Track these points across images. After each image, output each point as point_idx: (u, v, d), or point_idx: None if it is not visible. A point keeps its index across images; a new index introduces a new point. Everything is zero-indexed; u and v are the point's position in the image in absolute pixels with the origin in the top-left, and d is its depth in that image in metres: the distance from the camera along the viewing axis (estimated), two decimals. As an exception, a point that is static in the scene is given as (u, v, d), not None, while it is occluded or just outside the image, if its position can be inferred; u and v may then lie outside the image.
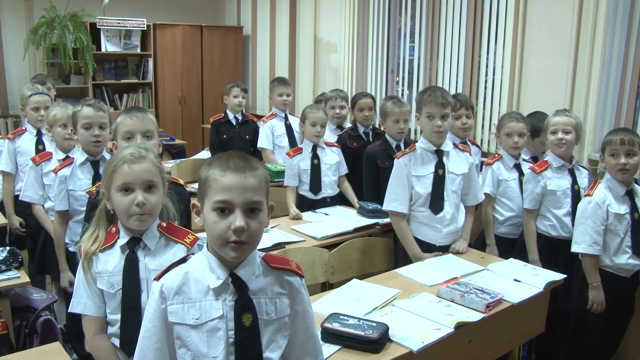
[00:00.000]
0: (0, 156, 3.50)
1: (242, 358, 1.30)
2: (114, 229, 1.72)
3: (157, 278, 1.34)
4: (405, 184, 2.70)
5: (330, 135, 3.88)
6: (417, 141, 2.81)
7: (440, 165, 2.69)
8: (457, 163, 2.74)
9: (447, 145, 2.72)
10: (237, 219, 1.25)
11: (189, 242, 1.78)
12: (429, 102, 2.61)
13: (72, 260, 2.46)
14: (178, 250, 1.76)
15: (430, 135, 2.67)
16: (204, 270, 1.32)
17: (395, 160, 2.76)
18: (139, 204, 1.65)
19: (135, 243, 1.71)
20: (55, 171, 2.60)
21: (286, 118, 4.38)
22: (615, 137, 2.49)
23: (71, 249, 2.55)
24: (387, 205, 2.76)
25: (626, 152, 2.46)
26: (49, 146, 3.26)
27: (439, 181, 2.68)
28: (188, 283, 1.31)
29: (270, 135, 4.33)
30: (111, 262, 1.69)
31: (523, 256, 2.77)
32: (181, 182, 2.42)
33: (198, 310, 1.30)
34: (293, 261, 1.43)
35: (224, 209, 1.26)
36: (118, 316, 1.68)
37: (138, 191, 1.66)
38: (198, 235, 2.55)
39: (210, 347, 1.29)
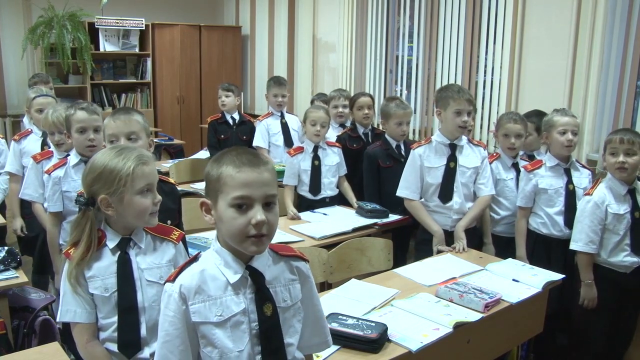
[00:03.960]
0: (0, 156, 3.51)
1: (267, 347, 1.32)
2: (99, 232, 1.70)
3: (171, 280, 1.33)
4: (418, 173, 2.88)
5: (333, 134, 3.89)
6: (414, 141, 2.87)
7: (452, 159, 2.82)
8: (470, 157, 2.86)
9: (461, 140, 2.85)
10: (258, 213, 1.27)
11: (175, 238, 1.78)
12: (458, 98, 2.73)
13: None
14: (166, 248, 1.76)
15: (454, 129, 2.79)
16: (219, 266, 1.33)
17: (411, 151, 2.93)
18: (157, 202, 1.70)
19: (126, 243, 1.70)
20: (48, 172, 2.58)
21: (282, 116, 4.39)
22: (615, 136, 2.53)
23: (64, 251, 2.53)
24: (400, 192, 2.95)
25: (625, 150, 2.48)
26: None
27: (449, 173, 2.83)
28: (206, 281, 1.31)
29: (265, 134, 4.34)
30: (102, 265, 1.67)
31: (520, 255, 2.82)
32: (172, 181, 2.41)
33: (220, 306, 1.30)
34: (295, 248, 1.47)
35: (242, 205, 1.27)
36: (111, 320, 1.66)
37: (155, 190, 1.70)
38: (196, 235, 2.58)
39: (235, 341, 1.30)
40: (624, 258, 2.53)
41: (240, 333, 1.31)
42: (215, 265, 1.33)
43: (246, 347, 1.31)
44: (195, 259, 1.37)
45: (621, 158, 2.48)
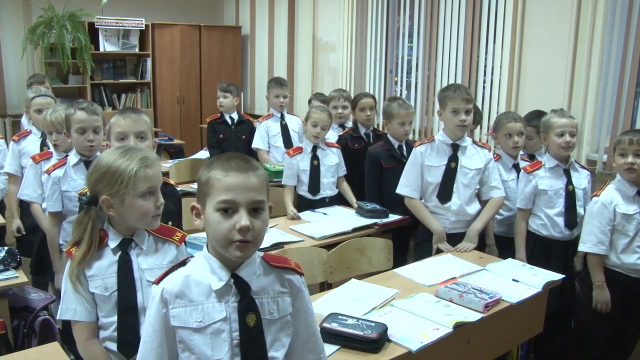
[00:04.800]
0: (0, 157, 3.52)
1: (248, 359, 1.30)
2: (101, 232, 1.70)
3: (157, 282, 1.33)
4: (419, 171, 2.88)
5: (332, 134, 3.89)
6: (415, 141, 2.87)
7: (453, 159, 2.81)
8: (474, 158, 2.84)
9: (465, 141, 2.83)
10: (242, 219, 1.25)
11: (177, 240, 1.78)
12: (454, 97, 2.73)
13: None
14: (168, 249, 1.76)
15: (454, 129, 2.79)
16: (204, 272, 1.31)
17: (413, 149, 2.92)
18: (160, 205, 1.69)
19: (127, 244, 1.70)
20: (48, 172, 2.58)
21: (282, 118, 4.40)
22: (624, 137, 2.52)
23: (65, 249, 2.53)
24: (400, 189, 2.95)
25: (634, 151, 2.47)
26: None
27: (449, 173, 2.82)
28: (189, 286, 1.30)
29: (265, 135, 4.35)
30: (103, 264, 1.67)
31: (519, 255, 2.81)
32: (172, 182, 2.41)
33: (201, 313, 1.29)
34: (292, 260, 1.43)
35: (228, 209, 1.26)
36: (112, 319, 1.67)
37: (159, 193, 1.69)
38: (196, 235, 2.58)
39: (214, 349, 1.29)
40: (637, 261, 2.49)
41: (220, 341, 1.29)
42: (201, 271, 1.32)
43: (225, 356, 1.29)
44: (183, 263, 1.37)
45: (630, 159, 2.47)
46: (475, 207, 2.87)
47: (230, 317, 1.30)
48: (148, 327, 1.32)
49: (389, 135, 3.43)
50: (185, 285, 1.30)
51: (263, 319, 1.32)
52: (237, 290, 1.31)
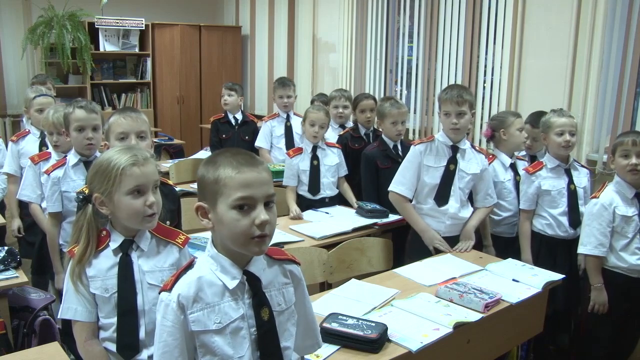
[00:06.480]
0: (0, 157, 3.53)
1: (265, 352, 1.32)
2: (104, 232, 1.69)
3: (168, 289, 1.30)
4: (416, 171, 2.81)
5: (333, 134, 3.89)
6: (412, 141, 2.85)
7: (452, 161, 2.77)
8: (471, 163, 2.80)
9: (464, 144, 2.79)
10: (262, 213, 1.26)
11: (180, 242, 1.76)
12: (445, 100, 2.70)
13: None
14: (171, 251, 1.74)
15: (447, 132, 2.76)
16: (215, 272, 1.31)
17: (412, 147, 2.87)
18: (151, 205, 1.64)
19: (128, 245, 1.69)
20: (47, 172, 2.57)
21: (287, 119, 4.40)
22: (627, 139, 2.50)
23: (65, 249, 2.53)
24: (393, 187, 2.85)
25: (637, 153, 2.46)
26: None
27: (448, 176, 2.77)
28: (203, 288, 1.30)
29: (268, 135, 4.37)
30: (104, 265, 1.66)
31: (520, 255, 2.79)
32: (170, 182, 2.41)
33: (218, 314, 1.29)
34: (287, 252, 1.47)
35: (244, 206, 1.26)
36: (112, 320, 1.66)
37: (149, 192, 1.65)
38: (196, 235, 2.58)
39: (235, 348, 1.29)
40: (637, 262, 2.48)
41: (240, 339, 1.30)
42: (211, 271, 1.31)
43: (247, 353, 1.30)
44: (190, 265, 1.36)
45: (634, 160, 2.46)
46: (469, 211, 2.84)
47: (247, 313, 1.31)
48: (166, 337, 1.28)
49: (383, 136, 3.43)
50: (199, 287, 1.29)
51: (273, 312, 1.34)
52: (249, 286, 1.32)
